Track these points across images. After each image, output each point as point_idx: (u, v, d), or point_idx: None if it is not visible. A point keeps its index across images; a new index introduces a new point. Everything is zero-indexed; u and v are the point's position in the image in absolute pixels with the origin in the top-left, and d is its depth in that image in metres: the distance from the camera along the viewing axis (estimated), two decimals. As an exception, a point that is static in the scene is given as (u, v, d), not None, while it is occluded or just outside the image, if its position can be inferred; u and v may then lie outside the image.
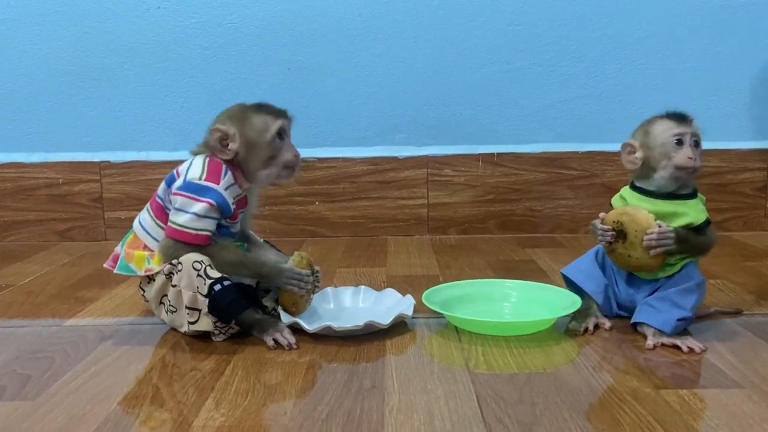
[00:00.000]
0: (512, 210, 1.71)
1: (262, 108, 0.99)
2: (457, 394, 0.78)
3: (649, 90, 1.66)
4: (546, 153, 1.69)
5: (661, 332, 0.92)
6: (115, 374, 0.86)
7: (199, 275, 0.91)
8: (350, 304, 1.10)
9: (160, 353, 0.93)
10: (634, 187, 1.01)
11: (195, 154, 1.00)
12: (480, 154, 1.69)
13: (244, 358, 0.90)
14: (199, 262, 0.92)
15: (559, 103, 1.68)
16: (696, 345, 0.90)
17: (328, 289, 1.12)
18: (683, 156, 0.95)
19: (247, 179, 0.99)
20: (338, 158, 1.70)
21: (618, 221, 0.96)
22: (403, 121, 1.69)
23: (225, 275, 0.92)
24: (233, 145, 0.96)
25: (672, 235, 0.92)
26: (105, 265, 1.01)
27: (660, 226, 0.93)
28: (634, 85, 1.66)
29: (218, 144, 0.96)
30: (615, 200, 1.03)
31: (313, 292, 1.04)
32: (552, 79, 1.67)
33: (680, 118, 0.98)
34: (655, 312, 0.93)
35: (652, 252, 0.93)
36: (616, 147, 1.65)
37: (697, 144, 0.96)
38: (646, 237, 0.93)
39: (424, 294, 1.04)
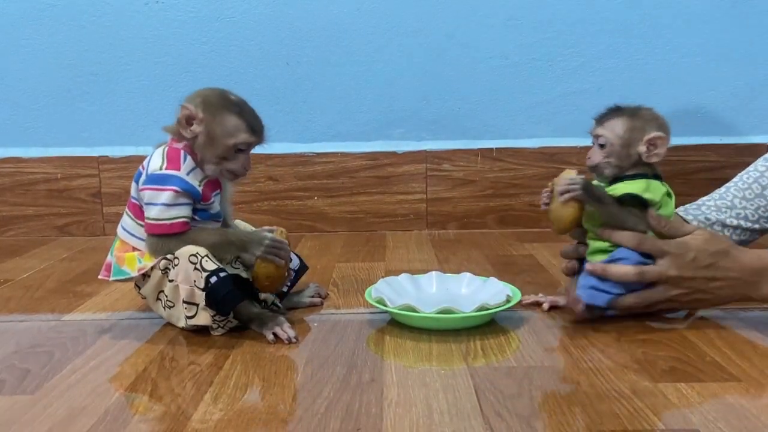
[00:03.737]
0: (511, 205, 1.71)
1: (240, 110, 0.97)
2: (456, 388, 0.78)
3: (647, 85, 1.65)
4: (545, 148, 1.69)
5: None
6: (114, 368, 0.86)
7: (195, 269, 0.91)
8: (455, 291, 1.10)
9: (159, 347, 0.93)
10: None
11: (158, 147, 0.99)
12: (479, 149, 1.69)
13: (242, 352, 0.90)
14: (194, 255, 0.92)
15: (558, 97, 1.68)
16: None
17: (434, 273, 1.13)
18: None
19: (197, 162, 0.97)
20: (337, 153, 1.69)
21: (552, 182, 1.00)
22: (402, 116, 1.69)
23: (221, 267, 0.92)
24: (196, 128, 0.95)
25: (579, 181, 0.95)
26: (100, 276, 1.01)
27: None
28: (633, 79, 1.66)
29: (183, 121, 0.95)
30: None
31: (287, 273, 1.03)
32: (551, 74, 1.67)
33: (596, 118, 1.01)
34: (581, 288, 0.97)
35: (561, 198, 0.96)
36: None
37: (602, 146, 0.99)
38: (559, 185, 0.97)
39: (367, 290, 1.04)
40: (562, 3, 1.64)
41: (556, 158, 1.68)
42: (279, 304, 1.04)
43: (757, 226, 1.13)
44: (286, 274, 1.01)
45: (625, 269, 0.95)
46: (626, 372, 0.81)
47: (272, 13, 1.65)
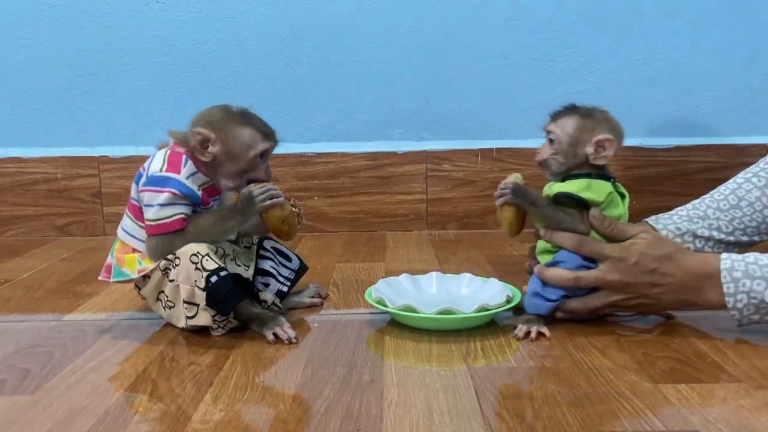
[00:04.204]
0: (511, 205, 1.70)
1: (249, 120, 0.98)
2: (456, 388, 0.78)
3: (648, 85, 1.65)
4: (545, 148, 1.69)
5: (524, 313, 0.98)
6: (114, 368, 0.86)
7: (197, 268, 0.91)
8: (454, 291, 1.10)
9: (159, 348, 0.93)
10: None
11: (160, 148, 0.99)
12: (479, 149, 1.69)
13: (243, 352, 0.90)
14: (196, 254, 0.92)
15: (558, 98, 1.65)
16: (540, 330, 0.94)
17: (434, 273, 1.13)
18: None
19: (211, 177, 0.98)
20: (337, 153, 1.69)
21: None
22: (402, 117, 1.69)
23: (222, 266, 0.92)
24: (213, 149, 0.95)
25: (510, 185, 0.97)
26: (100, 278, 1.01)
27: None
28: (633, 80, 1.66)
29: (198, 146, 0.95)
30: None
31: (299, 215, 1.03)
32: (551, 74, 1.67)
33: (551, 114, 1.02)
34: (527, 295, 0.99)
35: (496, 202, 0.99)
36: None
37: (551, 141, 1.00)
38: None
39: (367, 290, 1.04)
40: (562, 3, 1.64)
41: (556, 158, 1.68)
42: (279, 305, 1.04)
43: (731, 238, 1.08)
44: (293, 208, 1.01)
45: (560, 273, 0.94)
46: (626, 372, 0.81)
47: (272, 13, 1.65)
